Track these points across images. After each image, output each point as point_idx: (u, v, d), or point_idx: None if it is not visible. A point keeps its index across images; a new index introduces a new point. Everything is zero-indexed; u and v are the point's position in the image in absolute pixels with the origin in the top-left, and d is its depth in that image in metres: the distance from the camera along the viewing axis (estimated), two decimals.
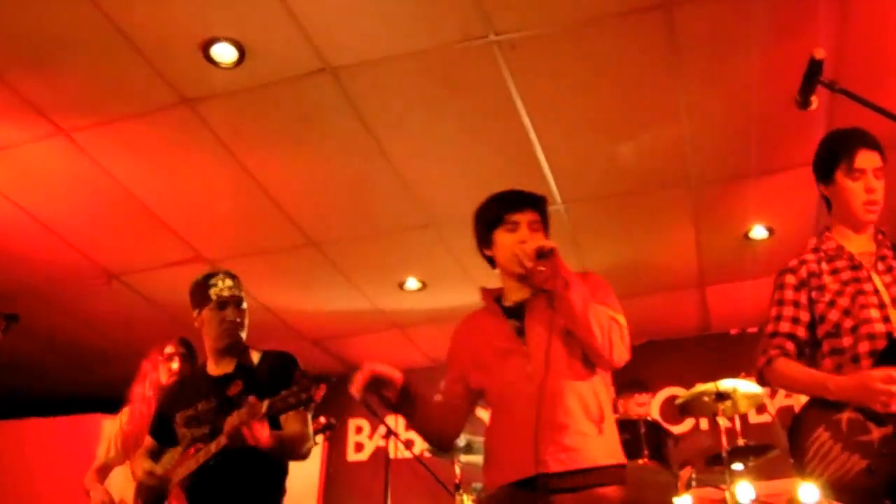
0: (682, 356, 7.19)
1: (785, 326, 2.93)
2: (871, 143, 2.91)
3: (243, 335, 3.49)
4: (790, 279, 2.97)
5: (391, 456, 6.21)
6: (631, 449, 4.78)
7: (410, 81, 4.47)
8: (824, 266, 2.94)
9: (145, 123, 4.67)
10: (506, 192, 3.03)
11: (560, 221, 5.54)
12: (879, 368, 2.66)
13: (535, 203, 2.95)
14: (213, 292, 3.44)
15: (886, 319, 2.78)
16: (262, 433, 3.05)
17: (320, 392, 3.01)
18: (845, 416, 2.71)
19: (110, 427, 4.56)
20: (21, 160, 4.97)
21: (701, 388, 5.52)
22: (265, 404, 3.03)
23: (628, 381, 5.72)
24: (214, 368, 3.50)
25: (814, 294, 2.92)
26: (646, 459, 5.10)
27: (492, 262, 3.03)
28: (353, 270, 6.34)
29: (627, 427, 5.06)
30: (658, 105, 4.64)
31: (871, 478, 2.62)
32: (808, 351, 2.93)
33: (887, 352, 2.72)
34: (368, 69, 4.37)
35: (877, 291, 2.84)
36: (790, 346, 2.93)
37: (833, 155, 2.93)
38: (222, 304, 3.43)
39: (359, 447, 8.17)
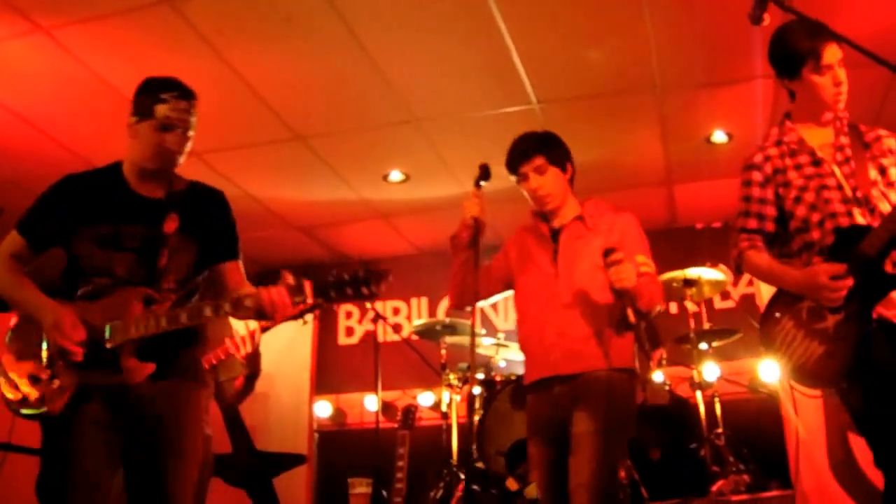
0: (652, 247, 7.31)
1: (752, 223, 3.05)
2: (833, 35, 2.87)
3: (181, 161, 2.99)
4: (756, 176, 3.04)
5: (380, 339, 6.42)
6: None
7: None
8: (788, 161, 2.99)
9: (127, 21, 4.59)
10: (511, 147, 3.56)
11: (535, 121, 5.65)
12: (828, 263, 2.78)
13: (537, 149, 3.50)
14: (160, 110, 2.87)
15: (850, 214, 2.84)
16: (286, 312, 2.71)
17: (382, 286, 2.67)
18: (805, 304, 2.86)
19: None
20: (0, 57, 4.88)
21: (670, 275, 5.80)
22: (308, 286, 2.67)
23: None
24: (140, 186, 2.99)
25: (780, 190, 2.99)
26: None
27: None
28: (339, 163, 6.37)
29: None
30: (625, 11, 4.69)
31: (829, 361, 2.77)
32: (780, 245, 3.05)
33: (837, 245, 2.82)
34: None
35: (840, 186, 2.89)
36: (758, 240, 3.04)
37: (798, 52, 2.91)
38: (166, 127, 2.88)
39: (349, 331, 8.29)
